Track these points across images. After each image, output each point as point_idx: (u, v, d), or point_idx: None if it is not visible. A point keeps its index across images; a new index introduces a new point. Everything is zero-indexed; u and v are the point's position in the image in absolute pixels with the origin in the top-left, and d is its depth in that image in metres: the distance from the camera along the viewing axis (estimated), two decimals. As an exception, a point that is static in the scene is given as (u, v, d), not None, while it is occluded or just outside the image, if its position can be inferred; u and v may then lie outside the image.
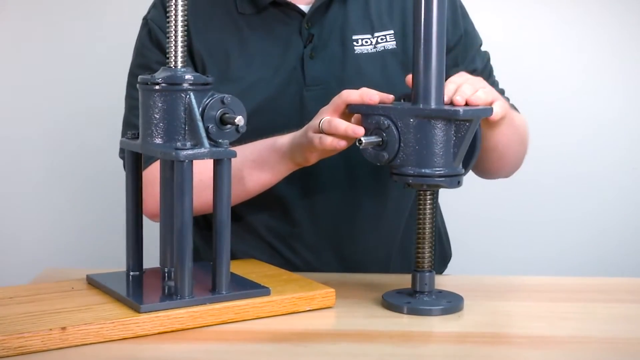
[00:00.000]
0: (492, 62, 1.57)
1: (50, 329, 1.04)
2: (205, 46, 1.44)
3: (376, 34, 1.46)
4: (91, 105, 2.16)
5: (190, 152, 1.11)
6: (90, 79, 2.16)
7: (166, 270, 1.21)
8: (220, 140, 1.15)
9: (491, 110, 1.20)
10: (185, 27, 1.17)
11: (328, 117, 1.23)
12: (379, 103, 1.21)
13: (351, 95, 1.22)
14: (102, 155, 2.13)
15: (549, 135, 2.20)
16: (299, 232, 1.47)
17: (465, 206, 2.09)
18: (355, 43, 1.45)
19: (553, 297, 1.30)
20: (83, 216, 2.21)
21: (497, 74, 1.58)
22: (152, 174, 1.32)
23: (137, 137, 1.20)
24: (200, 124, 1.14)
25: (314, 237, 1.47)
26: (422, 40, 1.18)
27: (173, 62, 1.17)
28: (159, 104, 1.15)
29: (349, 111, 1.23)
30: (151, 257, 1.32)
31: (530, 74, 2.20)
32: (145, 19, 1.49)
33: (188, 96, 1.15)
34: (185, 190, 1.12)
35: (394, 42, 1.46)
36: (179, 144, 1.12)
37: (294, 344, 1.08)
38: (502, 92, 1.53)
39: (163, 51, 1.21)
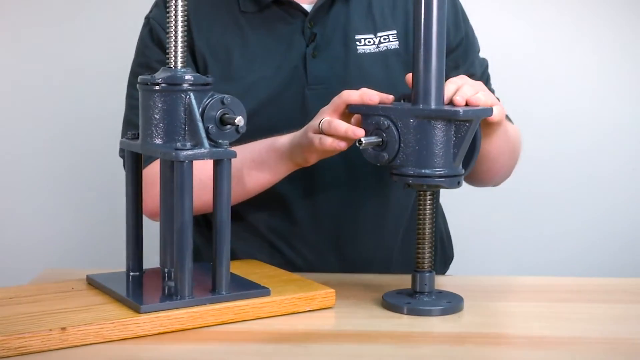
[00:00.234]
0: (494, 65, 1.57)
1: (50, 330, 1.04)
2: (207, 45, 1.44)
3: (379, 34, 1.46)
4: (91, 105, 2.16)
5: (190, 152, 1.12)
6: (91, 79, 2.16)
7: (166, 270, 1.21)
8: (220, 141, 1.15)
9: (491, 110, 1.20)
10: (185, 27, 1.17)
11: (328, 117, 1.23)
12: (379, 103, 1.21)
13: (351, 96, 1.22)
14: (102, 155, 2.13)
15: (551, 137, 2.21)
16: (300, 232, 1.47)
17: (467, 207, 2.09)
18: (357, 43, 1.45)
19: (553, 297, 1.30)
20: (83, 216, 2.21)
21: (499, 77, 1.58)
22: (152, 173, 1.32)
23: (137, 138, 1.20)
24: (200, 124, 1.14)
25: (315, 236, 1.47)
26: (422, 41, 1.18)
27: (173, 62, 1.17)
28: (159, 104, 1.15)
29: (349, 111, 1.23)
30: (151, 258, 1.32)
31: (532, 77, 2.20)
32: (147, 17, 1.49)
33: (188, 96, 1.15)
34: (185, 191, 1.12)
35: (397, 42, 1.46)
36: (179, 144, 1.12)
37: (294, 344, 1.08)
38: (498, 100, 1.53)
39: (164, 50, 1.21)
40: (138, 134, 1.19)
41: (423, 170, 1.17)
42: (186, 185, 1.12)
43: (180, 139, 1.14)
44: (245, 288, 1.19)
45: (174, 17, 1.16)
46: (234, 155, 1.14)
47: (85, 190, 2.20)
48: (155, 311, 1.10)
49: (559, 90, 2.22)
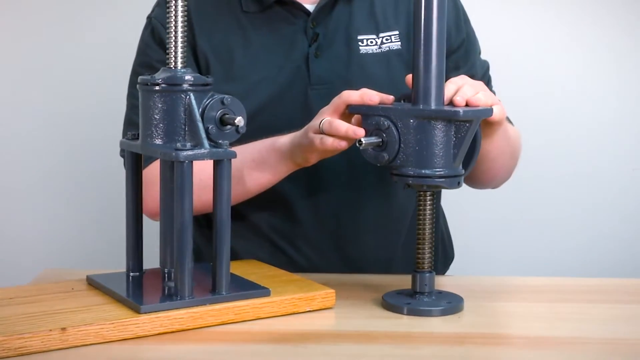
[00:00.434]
0: (494, 65, 1.57)
1: (50, 330, 1.04)
2: (209, 45, 1.44)
3: (381, 35, 1.46)
4: (92, 105, 2.16)
5: (190, 152, 1.12)
6: (91, 79, 2.15)
7: (166, 270, 1.21)
8: (220, 141, 1.15)
9: (491, 110, 1.20)
10: (185, 27, 1.17)
11: (328, 117, 1.23)
12: (379, 104, 1.21)
13: (351, 96, 1.22)
14: (102, 155, 2.13)
15: (550, 137, 2.21)
16: (302, 231, 1.47)
17: (467, 208, 2.09)
18: (360, 43, 1.45)
19: (553, 297, 1.30)
20: (83, 217, 2.21)
21: (499, 77, 1.58)
22: (152, 173, 1.33)
23: (137, 138, 1.20)
24: (200, 125, 1.14)
25: (317, 236, 1.47)
26: (422, 41, 1.18)
27: (173, 63, 1.17)
28: (159, 105, 1.15)
29: (349, 112, 1.23)
30: (151, 258, 1.32)
31: (531, 74, 2.20)
32: (149, 17, 1.49)
33: (188, 97, 1.15)
34: (185, 191, 1.12)
35: (399, 43, 1.46)
36: (179, 144, 1.12)
37: (294, 344, 1.08)
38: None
39: (166, 50, 1.22)
40: (138, 134, 1.19)
41: (423, 171, 1.17)
42: (186, 185, 1.12)
43: (180, 140, 1.14)
44: (245, 288, 1.19)
45: (174, 17, 1.16)
46: (234, 155, 1.14)
47: (85, 191, 2.20)
48: (155, 311, 1.10)
49: (559, 91, 2.22)
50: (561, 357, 1.06)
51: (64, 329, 1.04)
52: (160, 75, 1.16)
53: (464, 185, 1.21)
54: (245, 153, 1.35)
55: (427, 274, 1.23)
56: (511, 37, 2.19)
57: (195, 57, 1.45)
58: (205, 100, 1.15)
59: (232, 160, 1.15)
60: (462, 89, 1.21)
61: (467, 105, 1.19)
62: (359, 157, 1.23)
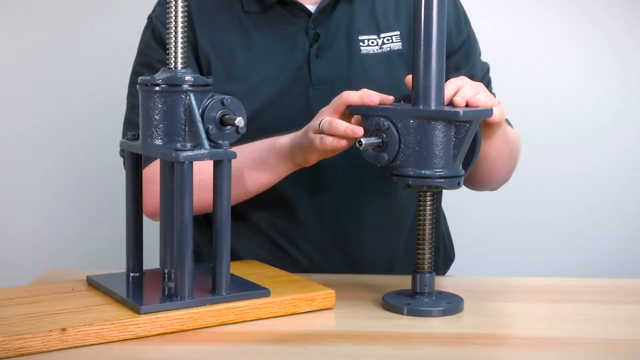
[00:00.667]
0: (493, 65, 1.57)
1: (50, 330, 1.04)
2: (210, 45, 1.44)
3: (382, 35, 1.46)
4: (91, 105, 2.16)
5: (190, 153, 1.12)
6: (92, 78, 2.15)
7: (166, 271, 1.21)
8: (220, 141, 1.15)
9: (491, 111, 1.20)
10: (185, 28, 1.17)
11: (328, 117, 1.23)
12: (379, 104, 1.21)
13: (351, 96, 1.22)
14: (102, 155, 2.13)
15: (550, 136, 2.21)
16: (303, 231, 1.47)
17: (468, 208, 2.09)
18: (361, 43, 1.45)
19: (553, 298, 1.30)
20: (83, 217, 2.21)
21: (499, 77, 1.58)
22: (152, 173, 1.33)
23: (137, 138, 1.20)
24: (200, 125, 1.14)
25: (318, 235, 1.47)
26: (422, 41, 1.18)
27: (173, 63, 1.17)
28: (159, 105, 1.15)
29: (349, 112, 1.23)
30: (151, 258, 1.32)
31: (531, 74, 2.20)
32: (150, 17, 1.50)
33: (188, 97, 1.15)
34: (185, 192, 1.12)
35: (400, 43, 1.46)
36: (179, 145, 1.12)
37: (294, 345, 1.08)
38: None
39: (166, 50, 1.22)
40: (138, 134, 1.19)
41: (423, 171, 1.17)
42: (186, 186, 1.12)
43: (180, 140, 1.14)
44: (245, 289, 1.19)
45: (174, 17, 1.16)
46: (234, 156, 1.14)
47: (85, 191, 2.20)
48: (155, 312, 1.10)
49: (559, 91, 2.21)
50: (561, 358, 1.06)
51: (64, 329, 1.04)
52: (160, 76, 1.16)
53: (463, 187, 1.21)
54: (245, 153, 1.35)
55: (427, 275, 1.23)
56: (511, 37, 2.19)
57: (196, 57, 1.45)
58: (205, 101, 1.15)
59: (232, 160, 1.15)
60: (462, 90, 1.21)
61: (467, 105, 1.19)
62: (360, 157, 1.23)
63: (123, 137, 1.35)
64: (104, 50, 2.14)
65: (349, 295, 1.27)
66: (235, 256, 1.36)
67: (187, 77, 1.15)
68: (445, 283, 1.38)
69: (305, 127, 1.28)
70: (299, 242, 1.48)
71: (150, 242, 1.33)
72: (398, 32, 1.47)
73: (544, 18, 2.20)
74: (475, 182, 1.52)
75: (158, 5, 1.50)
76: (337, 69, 1.44)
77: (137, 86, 1.18)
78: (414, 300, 1.22)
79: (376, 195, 1.48)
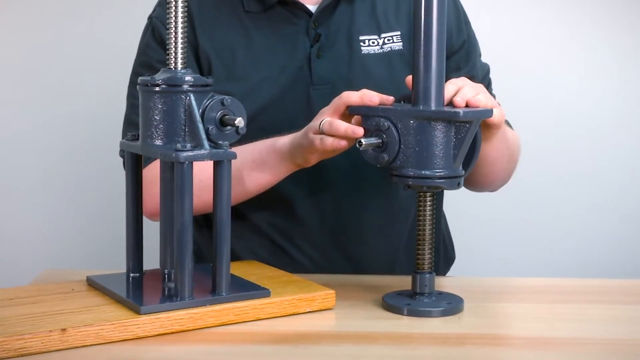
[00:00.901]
0: (493, 66, 1.57)
1: (50, 331, 1.04)
2: (211, 45, 1.44)
3: (383, 35, 1.46)
4: (91, 105, 2.16)
5: (190, 153, 1.12)
6: (92, 78, 2.15)
7: (166, 271, 1.20)
8: (220, 142, 1.15)
9: (491, 111, 1.20)
10: (185, 28, 1.17)
11: (329, 118, 1.23)
12: (380, 104, 1.21)
13: (351, 97, 1.22)
14: (102, 155, 2.13)
15: (550, 136, 2.21)
16: (304, 231, 1.47)
17: (467, 208, 2.09)
18: (362, 43, 1.45)
19: (553, 298, 1.30)
20: (83, 217, 2.21)
21: (499, 78, 1.58)
22: (151, 173, 1.33)
23: (137, 138, 1.20)
24: (201, 126, 1.14)
25: (319, 235, 1.47)
26: (422, 42, 1.18)
27: (173, 63, 1.17)
28: (159, 106, 1.15)
29: (349, 112, 1.23)
30: (151, 259, 1.32)
31: (531, 74, 2.20)
32: (150, 17, 1.50)
33: (188, 97, 1.15)
34: (185, 192, 1.12)
35: (401, 43, 1.46)
36: (179, 145, 1.12)
37: (294, 345, 1.08)
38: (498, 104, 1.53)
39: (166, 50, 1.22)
40: (138, 135, 1.19)
41: (423, 172, 1.17)
42: (186, 186, 1.12)
43: (180, 140, 1.14)
44: (246, 289, 1.19)
45: (174, 17, 1.16)
46: (234, 156, 1.14)
47: (85, 191, 2.20)
48: (155, 312, 1.10)
49: (559, 91, 2.21)
50: (561, 358, 1.06)
51: (64, 329, 1.04)
52: (160, 76, 1.16)
53: (463, 187, 1.21)
54: (245, 153, 1.35)
55: (427, 275, 1.23)
56: (511, 37, 2.19)
57: (196, 57, 1.45)
58: (205, 101, 1.15)
59: (232, 160, 1.15)
60: (462, 90, 1.21)
61: (467, 106, 1.19)
62: (361, 157, 1.23)
63: (123, 137, 1.35)
64: (104, 50, 2.14)
65: (349, 295, 1.27)
66: (235, 256, 1.36)
67: (187, 78, 1.15)
68: (445, 283, 1.38)
69: (306, 127, 1.28)
70: (299, 242, 1.48)
71: (150, 242, 1.33)
72: (399, 32, 1.47)
73: (544, 18, 2.20)
74: (474, 184, 1.52)
75: (158, 5, 1.50)
76: (338, 69, 1.44)
77: (137, 86, 1.18)
78: (414, 301, 1.22)
79: (376, 195, 1.48)
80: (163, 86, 1.15)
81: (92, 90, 2.16)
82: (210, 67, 1.44)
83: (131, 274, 1.25)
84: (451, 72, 1.40)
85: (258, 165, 1.35)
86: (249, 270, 1.32)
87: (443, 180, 1.17)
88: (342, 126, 1.20)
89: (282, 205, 1.46)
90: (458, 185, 1.19)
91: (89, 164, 2.18)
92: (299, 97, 1.44)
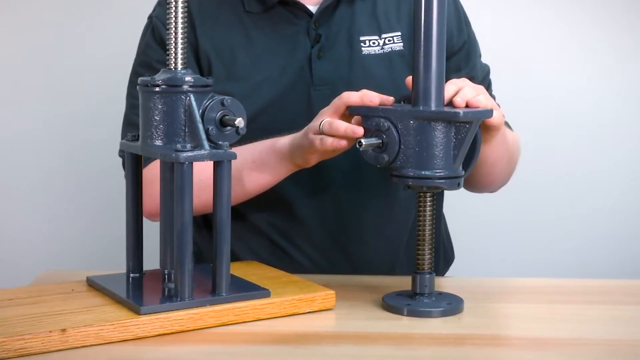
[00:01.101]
0: (493, 66, 1.57)
1: (50, 331, 1.04)
2: (211, 45, 1.44)
3: (383, 36, 1.46)
4: (91, 105, 2.16)
5: (190, 154, 1.12)
6: (92, 78, 2.15)
7: (166, 272, 1.21)
8: (220, 142, 1.15)
9: (491, 112, 1.20)
10: (185, 28, 1.17)
11: (328, 118, 1.23)
12: (380, 105, 1.21)
13: (351, 97, 1.22)
14: (102, 155, 2.13)
15: (550, 138, 2.21)
16: (304, 231, 1.47)
17: (467, 209, 2.08)
18: (362, 44, 1.45)
19: (553, 299, 1.30)
20: (83, 218, 2.21)
21: (499, 78, 1.58)
22: (151, 173, 1.33)
23: (137, 139, 1.20)
24: (201, 126, 1.14)
25: (319, 236, 1.47)
26: (422, 42, 1.18)
27: (173, 64, 1.17)
28: (159, 106, 1.15)
29: (349, 113, 1.23)
30: (151, 259, 1.32)
31: (531, 74, 2.20)
32: (150, 17, 1.49)
33: (188, 98, 1.15)
34: (185, 192, 1.12)
35: (401, 44, 1.46)
36: (179, 145, 1.12)
37: (294, 345, 1.08)
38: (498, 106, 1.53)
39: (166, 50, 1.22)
40: (138, 135, 1.19)
41: (423, 172, 1.17)
42: (186, 186, 1.12)
43: (180, 141, 1.14)
44: (245, 289, 1.19)
45: (174, 18, 1.16)
46: (234, 156, 1.14)
47: (85, 191, 2.20)
48: (155, 313, 1.10)
49: (559, 91, 2.21)
50: (561, 358, 1.06)
51: (64, 330, 1.04)
52: (160, 77, 1.16)
53: (462, 188, 1.21)
54: (245, 154, 1.35)
55: (427, 275, 1.23)
56: (511, 38, 2.19)
57: (197, 57, 1.45)
58: (205, 102, 1.15)
59: (232, 161, 1.15)
60: (462, 90, 1.21)
61: (467, 106, 1.19)
62: (361, 157, 1.23)
63: (122, 138, 1.35)
64: (104, 50, 2.14)
65: (349, 296, 1.27)
66: (234, 257, 1.36)
67: (187, 78, 1.15)
68: (445, 284, 1.38)
69: (306, 128, 1.28)
70: (299, 242, 1.48)
71: (151, 243, 1.33)
72: (399, 33, 1.47)
73: (544, 18, 2.20)
74: (474, 185, 1.52)
75: (158, 4, 1.50)
76: (339, 70, 1.44)
77: (137, 87, 1.18)
78: (414, 301, 1.22)
79: (377, 195, 1.48)
80: (163, 86, 1.15)
81: (92, 90, 2.16)
82: (211, 67, 1.44)
83: (131, 275, 1.25)
84: (451, 72, 1.40)
85: (258, 165, 1.35)
86: (249, 271, 1.32)
87: (443, 181, 1.17)
88: (342, 126, 1.20)
89: (282, 206, 1.46)
90: (458, 186, 1.19)
91: (89, 164, 2.18)
92: (299, 97, 1.44)
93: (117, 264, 1.48)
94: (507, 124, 1.50)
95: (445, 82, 1.20)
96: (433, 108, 1.18)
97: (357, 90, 1.23)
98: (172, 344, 1.08)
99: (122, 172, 1.35)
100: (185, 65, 1.17)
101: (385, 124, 1.18)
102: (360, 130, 1.19)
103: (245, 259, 1.45)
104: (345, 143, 1.22)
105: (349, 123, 1.22)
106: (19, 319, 1.08)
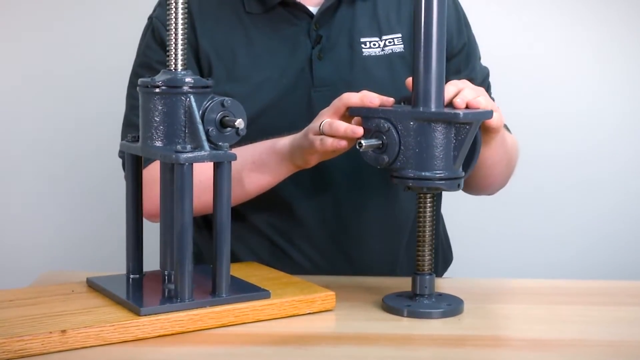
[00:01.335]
0: (492, 66, 1.57)
1: (51, 332, 1.04)
2: (212, 45, 1.44)
3: (384, 37, 1.46)
4: (90, 108, 2.16)
5: (190, 155, 1.11)
6: (91, 82, 2.15)
7: (166, 273, 1.21)
8: (220, 143, 1.15)
9: (491, 113, 1.20)
10: (186, 29, 1.17)
11: (329, 119, 1.23)
12: (380, 106, 1.21)
13: (351, 98, 1.22)
14: (101, 157, 2.13)
15: (550, 139, 2.20)
16: (304, 232, 1.47)
17: (466, 210, 2.08)
18: (363, 45, 1.45)
19: (553, 300, 1.30)
20: (83, 219, 2.21)
21: (498, 78, 1.58)
22: (151, 174, 1.33)
23: (137, 140, 1.20)
24: (201, 127, 1.14)
25: (319, 237, 1.47)
26: (422, 43, 1.18)
27: (173, 65, 1.17)
28: (159, 107, 1.15)
29: (349, 114, 1.23)
30: (151, 260, 1.32)
31: (532, 78, 2.20)
32: (150, 17, 1.49)
33: (188, 99, 1.15)
34: (185, 193, 1.12)
35: (402, 46, 1.46)
36: (179, 146, 1.12)
37: (294, 346, 1.08)
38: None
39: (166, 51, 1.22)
40: (138, 136, 1.19)
41: (423, 173, 1.17)
42: (186, 187, 1.12)
43: (180, 142, 1.14)
44: (245, 290, 1.19)
45: (174, 18, 1.16)
46: (234, 157, 1.14)
47: (85, 192, 2.20)
48: (155, 314, 1.10)
49: (559, 92, 2.21)
50: (561, 359, 1.06)
51: (64, 331, 1.04)
52: (160, 78, 1.16)
53: (461, 190, 1.21)
54: (245, 155, 1.35)
55: (427, 276, 1.23)
56: (511, 40, 2.19)
57: (197, 58, 1.45)
58: (205, 103, 1.15)
59: (232, 162, 1.15)
60: (462, 92, 1.21)
61: (467, 107, 1.19)
62: (361, 158, 1.23)
63: (122, 138, 1.35)
64: (104, 50, 2.14)
65: (349, 297, 1.27)
66: (234, 258, 1.36)
67: (187, 79, 1.15)
68: (445, 285, 1.38)
69: (306, 128, 1.28)
70: (299, 243, 1.48)
71: (151, 244, 1.33)
72: (400, 35, 1.47)
73: (544, 18, 2.20)
74: (472, 187, 1.52)
75: (158, 5, 1.50)
76: (339, 71, 1.44)
77: (137, 88, 1.18)
78: (414, 302, 1.22)
79: (377, 196, 1.48)
80: (163, 87, 1.15)
81: (92, 90, 2.16)
82: (211, 68, 1.44)
83: (131, 276, 1.25)
84: (451, 74, 1.40)
85: (258, 166, 1.35)
86: (249, 272, 1.32)
87: (443, 182, 1.17)
88: (342, 126, 1.20)
89: (282, 207, 1.46)
90: (458, 187, 1.19)
91: (89, 166, 2.18)
92: (299, 98, 1.43)
93: (117, 265, 1.48)
94: (505, 127, 1.50)
95: (445, 83, 1.20)
96: (433, 109, 1.18)
97: (358, 91, 1.23)
98: (172, 345, 1.08)
99: (122, 173, 1.35)
100: (186, 66, 1.17)
101: (386, 125, 1.18)
102: (360, 131, 1.19)
103: (245, 260, 1.45)
104: (345, 143, 1.22)
105: (349, 123, 1.22)
106: (19, 320, 1.08)
